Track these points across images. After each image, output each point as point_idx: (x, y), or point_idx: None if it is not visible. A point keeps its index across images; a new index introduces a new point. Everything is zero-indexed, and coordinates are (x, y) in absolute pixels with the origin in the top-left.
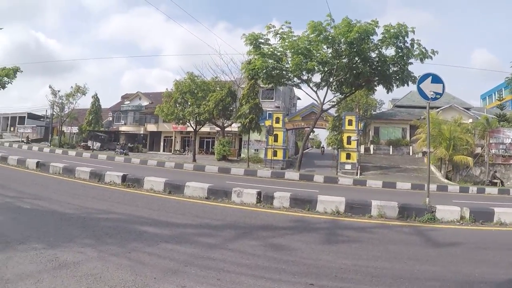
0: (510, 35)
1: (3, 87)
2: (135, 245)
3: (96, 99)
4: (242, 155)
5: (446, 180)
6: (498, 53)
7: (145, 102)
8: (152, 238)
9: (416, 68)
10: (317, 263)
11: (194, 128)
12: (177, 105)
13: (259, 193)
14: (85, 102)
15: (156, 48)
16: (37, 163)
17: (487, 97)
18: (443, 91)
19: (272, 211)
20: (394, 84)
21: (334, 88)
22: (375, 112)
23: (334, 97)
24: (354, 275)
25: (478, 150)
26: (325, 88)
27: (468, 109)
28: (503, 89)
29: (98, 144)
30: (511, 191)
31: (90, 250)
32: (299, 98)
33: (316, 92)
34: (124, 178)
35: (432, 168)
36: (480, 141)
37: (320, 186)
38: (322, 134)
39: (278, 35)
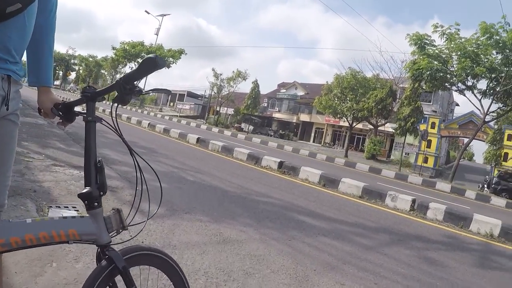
0: None
1: (168, 67)
2: (294, 234)
3: (256, 84)
4: (392, 157)
5: None
6: None
7: (300, 92)
8: (310, 229)
9: None
10: (471, 286)
11: (350, 123)
12: (336, 99)
13: (413, 201)
14: (244, 86)
15: (313, 40)
16: (198, 138)
17: None
18: None
19: (425, 221)
20: None
21: (500, 98)
22: None
23: (498, 108)
24: None
25: None
26: (490, 97)
27: None
28: None
29: (251, 127)
30: None
31: (252, 230)
32: (457, 105)
33: (480, 101)
34: (280, 165)
35: None
36: None
37: (471, 203)
38: (475, 147)
39: (444, 36)
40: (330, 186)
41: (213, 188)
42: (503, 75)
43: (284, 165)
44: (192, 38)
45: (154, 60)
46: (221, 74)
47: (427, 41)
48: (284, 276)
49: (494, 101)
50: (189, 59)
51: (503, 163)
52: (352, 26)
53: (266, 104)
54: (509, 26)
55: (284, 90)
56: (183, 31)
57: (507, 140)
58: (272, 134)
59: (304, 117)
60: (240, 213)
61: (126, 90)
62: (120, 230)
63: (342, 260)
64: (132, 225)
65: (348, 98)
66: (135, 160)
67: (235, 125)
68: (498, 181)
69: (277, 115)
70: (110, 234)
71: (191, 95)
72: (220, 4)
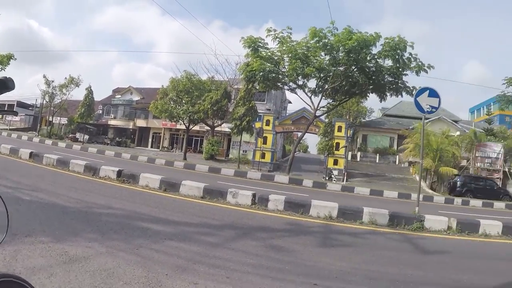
0: (503, 51)
1: None
2: (141, 242)
3: (89, 91)
4: (230, 156)
5: (431, 191)
6: (490, 67)
7: (136, 97)
8: (156, 235)
9: (410, 79)
10: (317, 264)
11: (187, 126)
12: (172, 103)
13: (254, 195)
14: (77, 94)
15: (149, 43)
16: (31, 153)
17: (475, 111)
18: (439, 105)
19: (267, 213)
20: (388, 94)
21: (329, 94)
22: (364, 120)
23: (327, 103)
24: (353, 277)
25: (464, 163)
26: (320, 94)
27: (456, 121)
28: (492, 104)
29: (87, 137)
30: (494, 204)
31: (97, 245)
32: (290, 102)
33: (310, 98)
34: (119, 174)
35: (418, 178)
36: (466, 153)
37: (310, 191)
38: (309, 139)
39: (277, 39)
40: (172, 190)
41: (52, 205)
42: (331, 74)
43: (123, 173)
44: (23, 41)
45: (4, 81)
46: (53, 81)
47: (260, 44)
48: (138, 286)
49: (323, 98)
50: (19, 65)
51: (335, 152)
52: (188, 30)
53: (101, 111)
54: (337, 30)
55: (119, 96)
56: (12, 33)
57: (337, 131)
58: (108, 142)
59: (141, 123)
60: (83, 229)
61: None
62: None
63: (192, 260)
64: None
65: (184, 101)
66: None
67: (70, 135)
68: (462, 184)
69: (113, 122)
70: None
71: (22, 105)
72: (52, 3)
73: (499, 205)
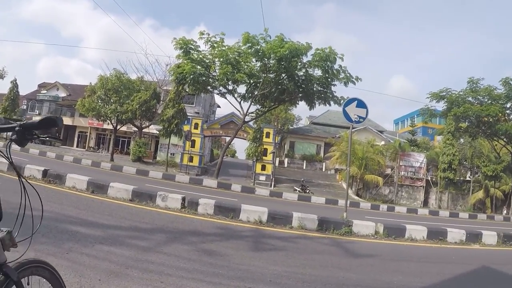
0: (428, 66)
1: None
2: (71, 246)
3: (14, 85)
4: (158, 158)
5: (357, 197)
6: (415, 81)
7: (62, 94)
8: (86, 239)
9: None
10: (250, 268)
11: (114, 126)
12: (100, 101)
13: (183, 199)
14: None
15: (78, 37)
16: None
17: (400, 122)
18: (366, 116)
19: (197, 217)
20: (317, 102)
21: (258, 100)
22: (292, 127)
23: (256, 109)
24: (287, 280)
25: (388, 171)
26: (249, 100)
27: (381, 132)
28: (415, 116)
29: (9, 134)
30: (418, 211)
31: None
32: (219, 106)
33: (240, 103)
34: (45, 173)
35: (344, 185)
36: (391, 162)
37: (238, 195)
38: (237, 144)
39: (209, 43)
40: (99, 192)
41: None
42: (261, 80)
43: (49, 173)
44: None
45: (55, 120)
46: None
47: (192, 46)
48: None
49: (252, 103)
50: None
51: (264, 157)
52: (119, 26)
53: (25, 107)
54: (270, 38)
55: (45, 91)
56: None
57: (266, 137)
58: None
59: (67, 121)
60: None
61: (24, 136)
62: (12, 248)
63: (125, 265)
64: (20, 241)
65: (112, 100)
66: (22, 184)
67: None
68: None
69: (37, 119)
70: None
71: None
72: None
73: (423, 211)
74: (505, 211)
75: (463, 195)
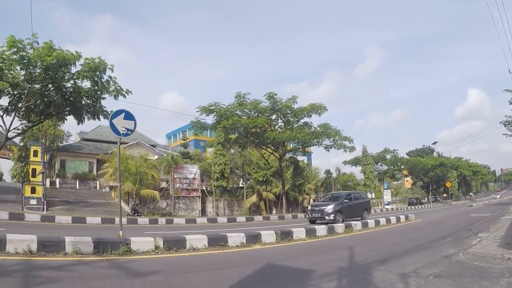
0: (199, 80)
1: None
2: None
3: None
4: None
5: (133, 214)
6: (186, 97)
7: None
8: None
9: (109, 103)
10: None
11: None
12: None
13: None
14: None
15: None
16: None
17: (172, 136)
18: (134, 128)
19: None
20: (86, 117)
21: (22, 115)
22: (62, 144)
23: (21, 124)
24: None
25: (164, 184)
26: (13, 113)
27: (154, 146)
28: (187, 130)
29: None
30: (197, 220)
31: None
32: None
33: (1, 117)
34: None
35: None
36: (166, 176)
37: (6, 224)
38: (2, 166)
39: None
40: None
41: None
42: (26, 91)
43: None
44: None
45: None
46: None
47: None
48: None
49: (17, 118)
50: None
51: (32, 179)
52: None
53: None
54: (38, 44)
55: None
56: None
57: (33, 156)
58: None
59: None
60: None
61: None
62: None
63: None
64: None
65: None
66: None
67: None
68: None
69: None
70: None
71: None
72: None
73: (202, 220)
74: (274, 211)
75: (238, 201)
